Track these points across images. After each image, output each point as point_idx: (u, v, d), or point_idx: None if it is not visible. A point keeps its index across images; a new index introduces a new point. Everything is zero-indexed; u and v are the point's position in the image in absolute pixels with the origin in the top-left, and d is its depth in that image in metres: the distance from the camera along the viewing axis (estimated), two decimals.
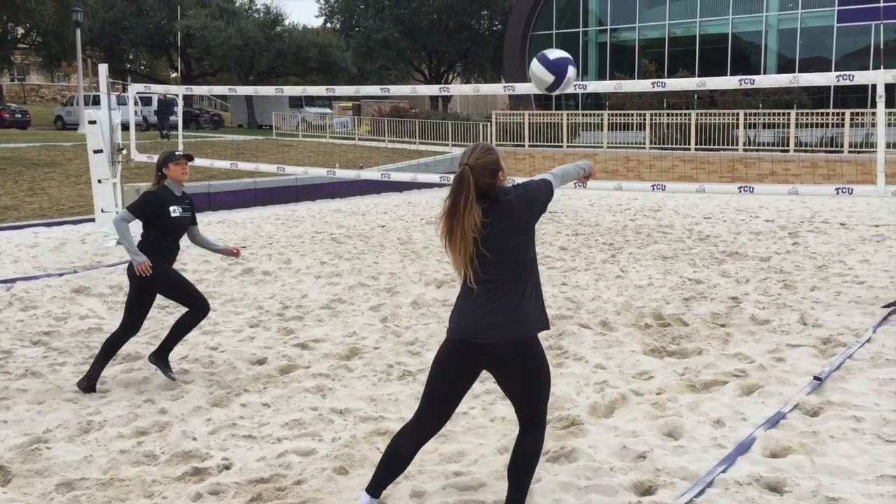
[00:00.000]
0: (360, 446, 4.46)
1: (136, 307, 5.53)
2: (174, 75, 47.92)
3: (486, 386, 5.44)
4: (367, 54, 45.51)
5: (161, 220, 5.46)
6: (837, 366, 5.70)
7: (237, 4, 45.65)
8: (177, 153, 5.65)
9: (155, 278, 5.38)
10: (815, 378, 5.39)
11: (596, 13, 37.54)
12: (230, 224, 14.86)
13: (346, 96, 42.33)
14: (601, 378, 5.60)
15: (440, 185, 22.09)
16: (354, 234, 13.43)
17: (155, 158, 6.14)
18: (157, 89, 16.39)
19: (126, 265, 5.98)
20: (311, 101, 42.44)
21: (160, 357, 5.58)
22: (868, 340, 6.38)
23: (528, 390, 3.41)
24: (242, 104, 43.31)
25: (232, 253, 5.97)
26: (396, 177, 11.45)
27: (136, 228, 5.45)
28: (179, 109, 14.41)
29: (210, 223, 14.84)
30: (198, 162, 13.19)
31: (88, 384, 5.40)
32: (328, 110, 42.57)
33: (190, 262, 10.42)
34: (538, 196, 3.48)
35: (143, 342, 6.54)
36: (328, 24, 49.91)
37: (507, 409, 4.99)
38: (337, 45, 42.49)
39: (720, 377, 5.55)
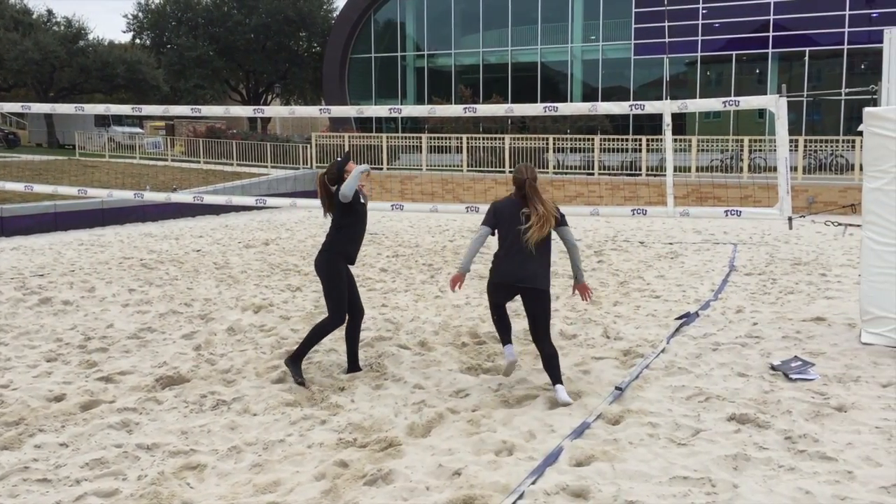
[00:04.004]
0: (168, 483, 4.25)
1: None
2: None
3: (303, 412, 5.36)
4: (181, 72, 43.87)
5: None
6: (636, 376, 6.10)
7: (34, 16, 42.53)
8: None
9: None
10: (617, 388, 5.75)
11: (414, 38, 38.37)
12: (26, 251, 13.77)
13: (156, 115, 40.55)
14: (419, 398, 5.67)
15: (259, 208, 21.62)
16: (167, 259, 12.85)
17: None
18: None
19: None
20: (119, 119, 40.31)
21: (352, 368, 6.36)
22: (663, 351, 6.89)
23: (542, 318, 5.60)
24: (41, 122, 40.34)
25: None
26: (210, 200, 11.04)
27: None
28: None
29: (3, 250, 13.69)
30: None
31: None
32: (138, 130, 40.56)
33: None
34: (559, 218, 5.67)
35: None
36: (137, 41, 47.62)
37: (325, 435, 4.94)
38: (147, 61, 40.58)
39: (531, 391, 5.78)
